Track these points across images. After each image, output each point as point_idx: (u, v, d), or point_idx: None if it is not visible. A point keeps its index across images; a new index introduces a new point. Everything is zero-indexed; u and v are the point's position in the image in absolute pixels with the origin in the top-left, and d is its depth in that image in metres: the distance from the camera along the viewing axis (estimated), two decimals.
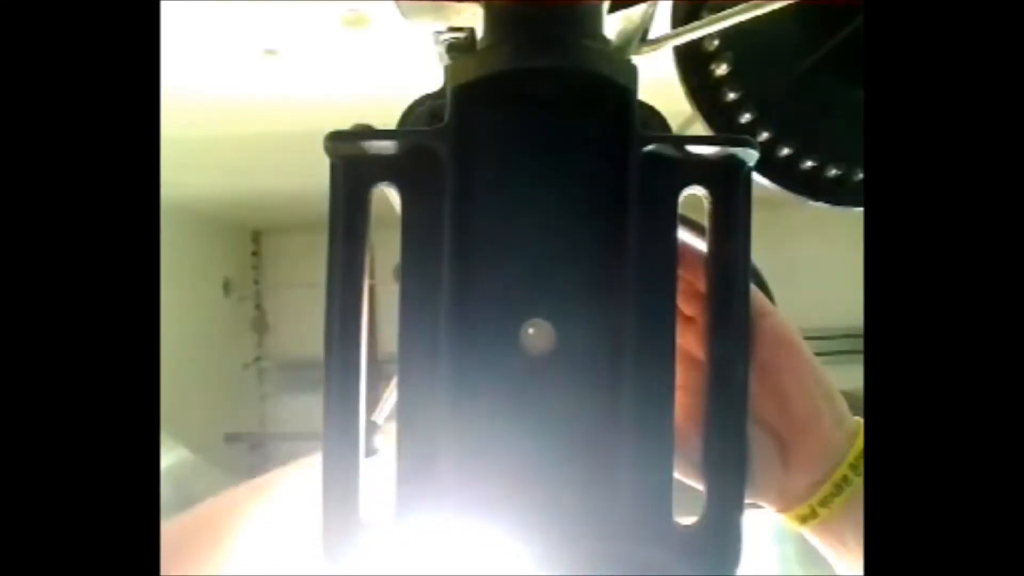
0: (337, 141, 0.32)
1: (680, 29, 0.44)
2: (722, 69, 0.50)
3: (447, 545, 0.31)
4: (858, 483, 0.35)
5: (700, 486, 0.33)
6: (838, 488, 0.35)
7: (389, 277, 0.34)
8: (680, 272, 0.33)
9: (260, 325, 2.42)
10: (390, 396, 0.48)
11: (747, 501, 0.33)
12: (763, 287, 0.42)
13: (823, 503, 0.36)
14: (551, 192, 0.31)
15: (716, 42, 0.50)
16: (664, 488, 0.32)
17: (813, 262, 2.02)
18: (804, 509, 0.36)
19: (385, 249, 0.36)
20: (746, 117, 0.51)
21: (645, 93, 0.32)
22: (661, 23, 0.44)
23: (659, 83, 0.39)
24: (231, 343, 2.29)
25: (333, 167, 0.32)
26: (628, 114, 0.31)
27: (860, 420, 0.37)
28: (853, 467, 0.36)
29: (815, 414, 0.36)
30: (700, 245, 0.34)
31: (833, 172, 0.54)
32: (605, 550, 0.31)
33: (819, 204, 0.55)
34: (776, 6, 0.41)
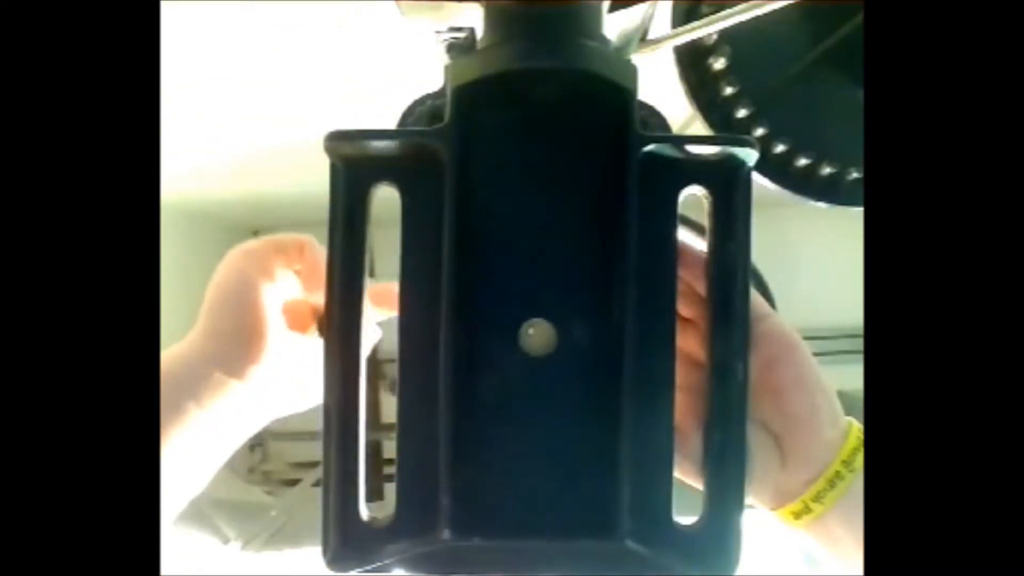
0: (337, 141, 0.32)
1: (680, 29, 0.44)
2: (720, 63, 0.50)
3: (446, 544, 0.31)
4: (850, 479, 0.36)
5: (700, 486, 0.33)
6: (831, 484, 0.36)
7: (389, 277, 0.34)
8: (679, 273, 0.33)
9: None
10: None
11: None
12: (763, 288, 0.42)
13: (816, 499, 0.36)
14: (551, 192, 0.31)
15: (715, 36, 0.50)
16: (664, 488, 0.32)
17: (813, 262, 2.02)
18: (797, 505, 0.36)
19: (385, 249, 0.36)
20: (743, 112, 0.51)
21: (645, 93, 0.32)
22: (661, 23, 0.44)
23: (659, 83, 0.39)
24: None
25: (333, 167, 0.32)
26: (628, 114, 0.31)
27: (852, 420, 0.37)
28: (846, 463, 0.36)
29: (813, 413, 0.36)
30: (700, 245, 0.34)
31: (827, 171, 0.54)
32: (605, 550, 0.31)
33: (811, 202, 0.55)
34: (775, 6, 0.41)
